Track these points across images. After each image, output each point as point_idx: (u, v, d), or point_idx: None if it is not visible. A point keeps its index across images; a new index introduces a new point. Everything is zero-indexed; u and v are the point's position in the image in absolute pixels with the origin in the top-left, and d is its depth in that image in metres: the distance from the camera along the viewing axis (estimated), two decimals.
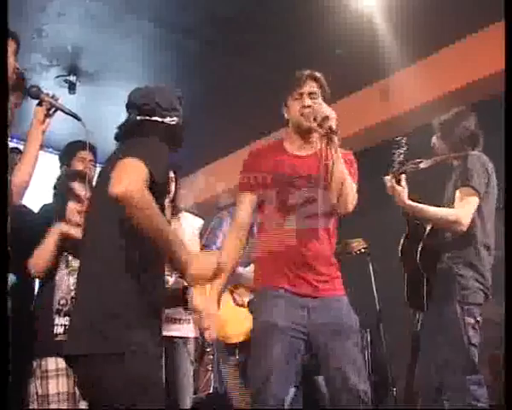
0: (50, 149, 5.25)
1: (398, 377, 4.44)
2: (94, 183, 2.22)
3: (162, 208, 1.91)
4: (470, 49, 4.80)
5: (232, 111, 5.75)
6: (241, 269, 4.15)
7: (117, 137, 2.14)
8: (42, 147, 2.59)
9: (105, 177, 1.90)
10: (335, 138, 2.34)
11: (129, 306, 1.81)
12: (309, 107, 2.50)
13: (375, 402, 4.16)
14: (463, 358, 2.90)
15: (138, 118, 2.06)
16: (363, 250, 4.38)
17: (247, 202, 2.63)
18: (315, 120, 2.38)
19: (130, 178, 1.71)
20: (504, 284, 1.89)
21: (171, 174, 3.10)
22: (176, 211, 3.19)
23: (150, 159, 1.80)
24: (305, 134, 2.59)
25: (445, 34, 4.76)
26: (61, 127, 3.22)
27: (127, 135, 2.09)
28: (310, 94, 2.55)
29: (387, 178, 3.04)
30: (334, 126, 2.33)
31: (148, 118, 2.05)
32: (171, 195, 3.15)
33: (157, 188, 1.82)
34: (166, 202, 3.03)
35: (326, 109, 2.39)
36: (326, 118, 2.34)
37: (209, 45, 4.89)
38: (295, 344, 2.42)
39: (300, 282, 2.47)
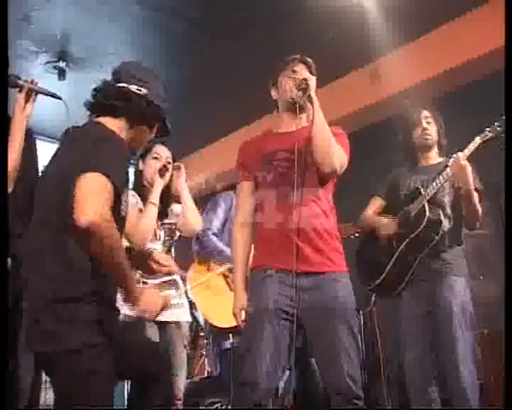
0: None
1: (391, 360, 4.48)
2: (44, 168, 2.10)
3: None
4: (461, 31, 4.79)
5: (221, 93, 5.70)
6: None
7: (90, 106, 2.07)
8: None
9: (58, 174, 1.84)
10: (312, 99, 2.43)
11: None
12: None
13: (366, 385, 4.19)
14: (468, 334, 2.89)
15: (116, 85, 2.05)
16: (356, 235, 4.39)
17: (245, 190, 2.62)
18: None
19: (96, 205, 1.60)
20: (504, 285, 1.90)
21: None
22: (170, 201, 3.13)
23: (113, 168, 1.73)
24: (295, 110, 2.54)
25: (435, 15, 4.74)
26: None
27: (97, 108, 2.04)
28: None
29: (461, 154, 2.84)
30: (310, 88, 2.43)
31: (124, 85, 2.03)
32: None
33: (119, 194, 1.78)
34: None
35: (306, 74, 2.52)
36: (304, 80, 2.46)
37: (197, 27, 4.84)
38: (285, 326, 2.38)
39: (291, 259, 2.37)
